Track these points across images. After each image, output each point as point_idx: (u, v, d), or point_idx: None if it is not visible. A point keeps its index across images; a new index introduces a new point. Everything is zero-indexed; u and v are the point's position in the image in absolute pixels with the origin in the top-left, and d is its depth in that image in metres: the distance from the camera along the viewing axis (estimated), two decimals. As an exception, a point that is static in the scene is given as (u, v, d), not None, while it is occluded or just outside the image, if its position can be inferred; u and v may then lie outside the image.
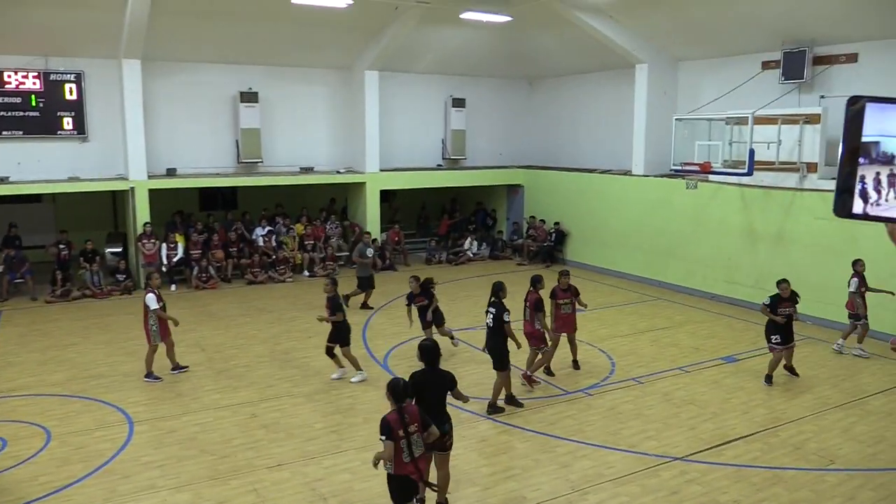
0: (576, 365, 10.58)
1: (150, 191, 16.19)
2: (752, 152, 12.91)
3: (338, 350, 9.91)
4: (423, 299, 10.90)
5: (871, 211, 1.69)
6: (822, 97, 13.45)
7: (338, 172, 18.92)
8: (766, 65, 14.65)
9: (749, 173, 13.09)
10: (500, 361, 8.94)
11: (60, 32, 15.08)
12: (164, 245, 16.29)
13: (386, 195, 19.79)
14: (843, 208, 1.74)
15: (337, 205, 19.90)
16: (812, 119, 13.00)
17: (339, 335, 9.82)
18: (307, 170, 18.50)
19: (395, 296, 14.83)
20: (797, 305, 9.97)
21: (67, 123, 16.15)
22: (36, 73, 15.71)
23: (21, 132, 15.75)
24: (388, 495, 5.68)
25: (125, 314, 13.87)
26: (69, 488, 7.03)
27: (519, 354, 9.44)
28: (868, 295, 11.03)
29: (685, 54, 16.65)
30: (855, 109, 1.69)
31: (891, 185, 1.68)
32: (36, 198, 17.45)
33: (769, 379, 9.98)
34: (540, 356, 9.86)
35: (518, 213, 21.06)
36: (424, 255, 20.04)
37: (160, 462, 7.62)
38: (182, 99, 17.20)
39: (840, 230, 12.45)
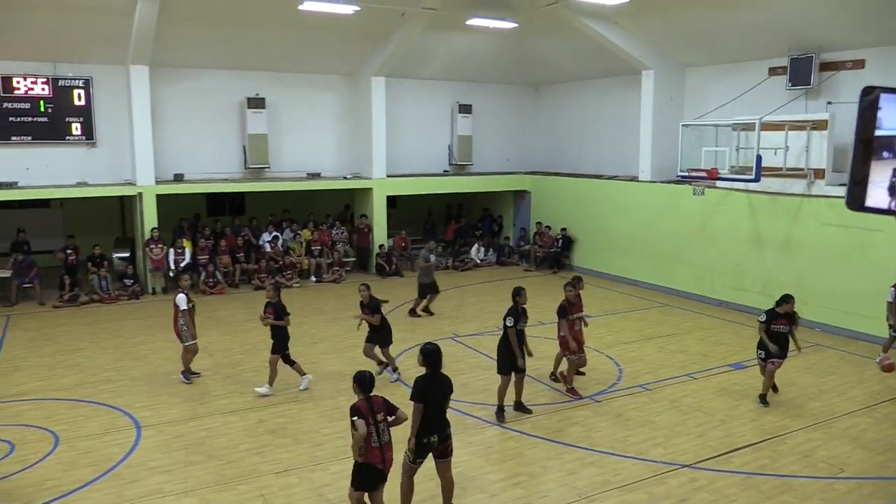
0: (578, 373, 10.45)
1: (158, 196, 16.29)
2: (759, 158, 12.89)
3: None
4: (368, 312, 10.24)
5: None
6: (829, 103, 13.41)
7: (344, 178, 18.98)
8: (772, 71, 14.62)
9: (756, 179, 13.07)
10: (499, 365, 8.94)
11: (69, 39, 15.19)
12: (171, 250, 16.39)
13: (393, 200, 19.82)
14: (854, 201, 1.69)
15: (354, 210, 19.89)
16: (819, 125, 12.97)
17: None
18: (314, 175, 18.57)
19: (400, 302, 14.87)
20: (794, 326, 9.34)
21: (76, 129, 16.24)
22: (45, 79, 15.82)
23: (30, 137, 15.86)
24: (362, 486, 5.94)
25: (133, 319, 13.94)
26: (77, 492, 7.05)
27: (531, 362, 9.24)
28: None
29: (692, 60, 16.65)
30: (869, 100, 1.65)
31: None
32: (44, 203, 17.56)
33: (763, 398, 9.51)
34: (566, 363, 9.83)
35: (525, 219, 21.05)
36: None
37: (167, 467, 7.63)
38: (189, 105, 17.29)
39: (848, 236, 12.40)
